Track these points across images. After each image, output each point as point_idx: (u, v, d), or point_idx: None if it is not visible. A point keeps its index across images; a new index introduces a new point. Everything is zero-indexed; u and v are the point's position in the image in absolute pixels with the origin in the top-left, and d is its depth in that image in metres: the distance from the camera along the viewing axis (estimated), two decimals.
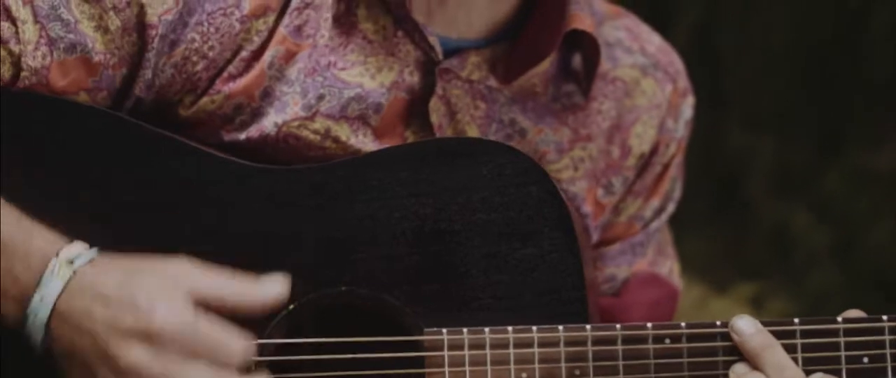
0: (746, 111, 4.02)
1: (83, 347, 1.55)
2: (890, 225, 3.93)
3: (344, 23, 1.83)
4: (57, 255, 1.58)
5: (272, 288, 1.63)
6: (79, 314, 1.56)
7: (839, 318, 1.60)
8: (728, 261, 3.72)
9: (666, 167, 2.02)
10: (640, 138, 1.99)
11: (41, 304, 1.57)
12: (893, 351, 1.60)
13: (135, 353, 1.53)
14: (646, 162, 1.99)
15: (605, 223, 1.99)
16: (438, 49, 1.81)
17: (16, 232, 1.60)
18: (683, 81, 2.03)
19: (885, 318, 1.59)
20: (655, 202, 2.02)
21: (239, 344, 1.58)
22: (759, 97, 4.03)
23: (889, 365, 1.60)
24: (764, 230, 4.00)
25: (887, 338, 1.59)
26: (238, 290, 1.62)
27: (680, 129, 2.01)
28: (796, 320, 1.59)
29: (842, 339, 1.58)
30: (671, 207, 2.05)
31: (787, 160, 4.05)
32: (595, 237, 1.97)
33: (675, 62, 2.04)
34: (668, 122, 1.99)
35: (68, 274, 1.58)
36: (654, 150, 1.99)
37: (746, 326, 1.62)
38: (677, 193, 2.06)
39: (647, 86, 1.99)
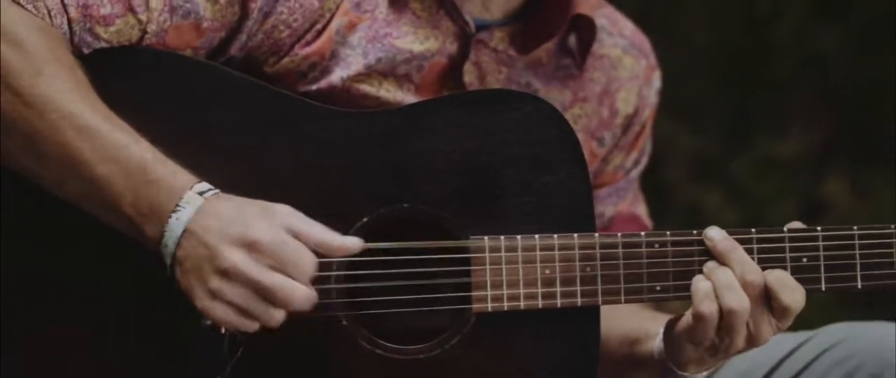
0: (667, 103, 4.11)
1: (199, 254, 1.73)
2: (791, 205, 4.10)
3: (397, 2, 2.03)
4: (191, 188, 1.75)
5: (350, 241, 1.79)
6: (201, 230, 1.73)
7: (785, 228, 1.88)
8: None
9: (643, 127, 2.26)
10: (625, 103, 2.21)
11: (177, 223, 1.74)
12: (824, 253, 1.87)
13: (236, 256, 1.71)
14: (629, 122, 2.22)
15: (596, 170, 2.20)
16: (472, 24, 2.03)
17: (161, 169, 1.77)
18: (652, 58, 2.26)
19: (819, 228, 1.87)
20: (634, 155, 2.26)
21: (312, 258, 1.74)
22: (677, 91, 3.93)
23: (821, 264, 1.86)
24: (680, 209, 4.15)
25: (820, 243, 1.86)
26: (323, 234, 1.77)
27: (652, 96, 2.26)
28: (753, 230, 1.86)
29: (787, 244, 1.85)
30: (645, 160, 2.29)
31: (701, 147, 4.20)
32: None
33: (646, 43, 2.27)
34: (643, 90, 2.23)
35: (199, 202, 1.75)
36: (635, 113, 2.22)
37: (716, 234, 1.87)
38: (649, 149, 2.29)
39: (627, 61, 2.22)
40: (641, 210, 2.27)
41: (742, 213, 4.10)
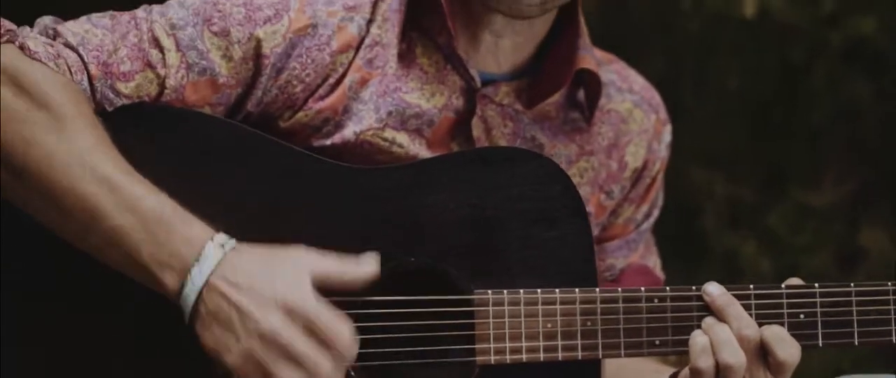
0: (703, 152, 4.14)
1: (227, 312, 1.74)
2: (827, 254, 4.10)
3: (406, 58, 2.08)
4: (212, 239, 1.78)
5: (368, 265, 1.83)
6: (227, 285, 1.75)
7: (783, 285, 1.91)
8: (687, 283, 3.86)
9: (653, 180, 2.27)
10: (634, 156, 2.23)
11: (199, 275, 1.75)
12: (822, 310, 1.89)
13: (273, 319, 1.73)
14: (638, 175, 2.24)
15: (604, 223, 2.23)
16: (478, 80, 2.08)
17: (180, 220, 1.79)
18: (663, 113, 2.29)
19: (816, 285, 1.90)
20: (645, 208, 2.28)
21: (345, 330, 1.75)
22: (713, 140, 4.15)
23: (819, 320, 1.89)
24: (716, 258, 4.14)
25: (818, 300, 1.89)
26: (344, 268, 1.81)
27: (662, 150, 2.28)
28: (751, 287, 1.89)
29: (784, 301, 1.88)
30: (656, 213, 2.31)
31: (737, 196, 4.19)
32: (595, 232, 2.18)
33: (656, 97, 2.30)
34: (653, 144, 2.26)
35: (220, 254, 1.77)
36: (644, 166, 2.24)
37: (714, 289, 1.90)
38: (660, 201, 2.31)
39: (636, 115, 2.24)
40: (653, 261, 2.30)
41: (778, 261, 4.10)
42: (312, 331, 1.74)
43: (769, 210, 4.19)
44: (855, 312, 1.90)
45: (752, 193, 4.21)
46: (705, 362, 1.86)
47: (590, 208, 2.18)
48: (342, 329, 1.75)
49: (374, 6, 2.08)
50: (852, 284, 1.91)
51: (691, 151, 4.14)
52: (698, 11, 4.15)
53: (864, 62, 4.16)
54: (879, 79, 4.17)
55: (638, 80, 2.29)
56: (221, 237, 1.79)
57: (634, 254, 2.27)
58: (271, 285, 1.75)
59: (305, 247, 1.82)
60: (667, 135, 2.29)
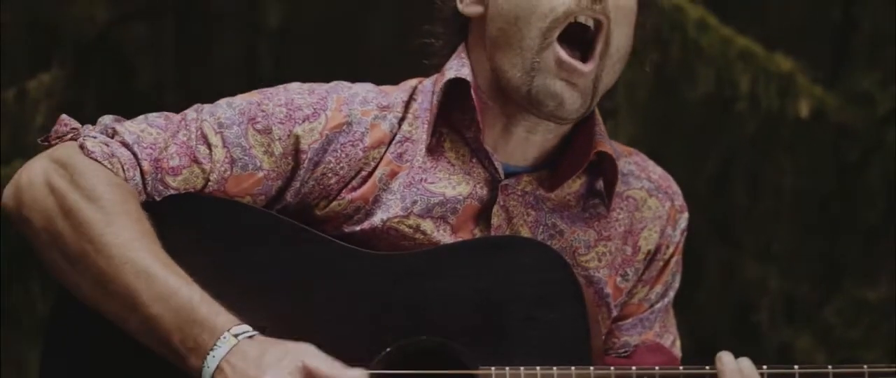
0: (759, 248, 4.22)
1: None
2: (881, 350, 4.11)
3: (434, 151, 2.20)
4: (229, 329, 1.98)
5: (355, 372, 1.97)
6: (230, 368, 1.95)
7: (795, 367, 1.98)
8: None
9: (666, 263, 2.34)
10: (647, 240, 2.31)
11: (213, 360, 1.96)
12: None
13: None
14: (651, 258, 2.32)
15: (622, 302, 2.31)
16: (502, 171, 2.19)
17: (206, 311, 1.99)
18: (680, 200, 2.35)
19: (830, 367, 1.96)
20: (658, 288, 2.35)
21: None
22: (769, 236, 4.23)
23: None
24: (772, 351, 4.19)
25: None
26: (333, 368, 1.96)
27: (677, 235, 2.34)
28: (765, 367, 1.98)
29: None
30: (672, 294, 2.37)
31: (792, 290, 4.26)
32: (614, 312, 2.28)
33: (673, 186, 2.36)
34: (667, 229, 2.33)
35: (233, 342, 1.97)
36: (657, 250, 2.32)
37: (727, 359, 2.01)
38: (677, 283, 2.37)
39: (652, 203, 2.32)
40: (668, 340, 2.37)
41: (832, 356, 4.14)
42: None
43: (825, 304, 4.25)
44: None
45: (808, 288, 4.27)
46: None
47: (608, 290, 2.27)
48: None
49: (407, 106, 2.23)
50: (866, 366, 1.97)
51: (746, 248, 4.21)
52: (754, 112, 4.22)
53: None
54: None
55: (656, 170, 2.38)
56: (239, 327, 1.99)
57: (649, 331, 2.35)
58: (258, 370, 1.95)
59: (310, 344, 1.99)
60: (682, 221, 2.36)
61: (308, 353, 1.98)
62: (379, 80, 2.28)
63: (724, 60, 4.15)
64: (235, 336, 1.98)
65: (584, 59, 2.18)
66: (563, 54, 2.15)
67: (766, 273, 4.22)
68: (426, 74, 2.33)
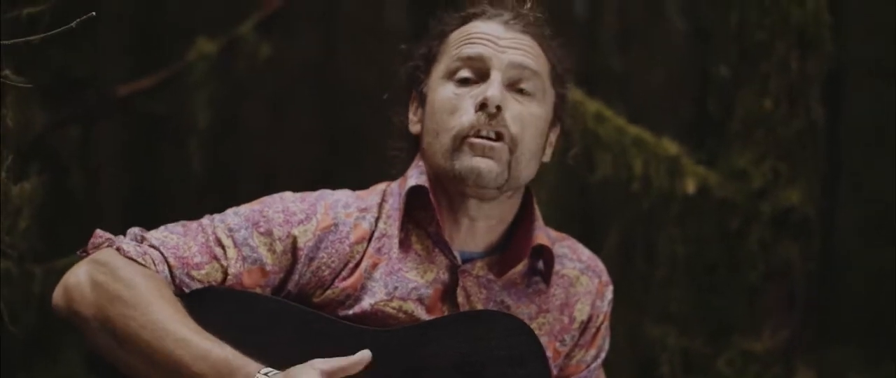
0: (658, 311, 4.42)
1: None
2: None
3: (404, 244, 2.47)
4: (259, 371, 2.22)
5: (363, 354, 2.24)
6: None
7: None
8: None
9: (598, 329, 2.62)
10: (580, 312, 2.58)
11: None
12: None
13: None
14: (584, 327, 2.59)
15: (561, 364, 2.58)
16: (459, 258, 2.46)
17: (239, 362, 2.23)
18: (605, 277, 2.64)
19: None
20: (592, 351, 2.62)
21: None
22: (666, 300, 4.41)
23: None
24: None
25: None
26: (344, 361, 2.22)
27: (604, 306, 2.62)
28: None
29: None
30: (603, 355, 2.65)
31: (689, 346, 4.42)
32: (556, 372, 2.56)
33: (599, 265, 2.65)
34: (596, 302, 2.61)
35: None
36: (589, 319, 2.59)
37: None
38: (607, 346, 2.65)
39: (583, 280, 2.59)
40: None
41: None
42: None
43: (718, 357, 4.37)
44: None
45: (702, 343, 4.42)
46: None
47: (549, 353, 2.51)
48: None
49: (380, 207, 2.51)
50: None
51: (646, 310, 4.41)
52: (648, 191, 4.37)
53: (790, 228, 4.37)
54: (804, 241, 4.40)
55: (585, 252, 2.66)
56: (266, 369, 2.23)
57: None
58: None
59: (322, 359, 2.23)
60: (608, 294, 2.64)
61: (318, 361, 2.22)
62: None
63: (620, 147, 4.29)
64: (265, 374, 2.21)
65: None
66: (474, 140, 2.41)
67: (665, 332, 4.38)
68: (392, 178, 2.62)
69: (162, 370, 2.26)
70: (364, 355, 2.25)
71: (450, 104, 2.44)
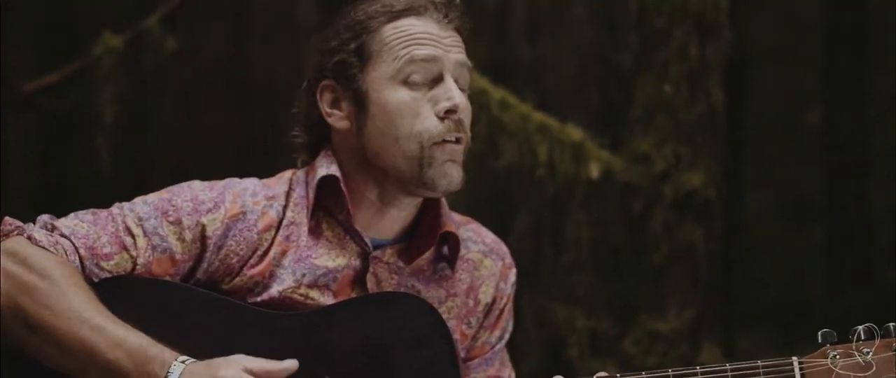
0: (565, 293, 4.47)
1: None
2: None
3: (314, 232, 2.47)
4: (176, 359, 2.25)
5: (288, 363, 2.28)
6: None
7: (726, 365, 2.27)
8: None
9: (502, 311, 2.63)
10: (485, 294, 2.60)
11: None
12: None
13: None
14: (489, 309, 2.61)
15: (468, 346, 2.60)
16: (370, 245, 2.47)
17: (155, 350, 2.26)
18: (509, 259, 2.64)
19: (698, 367, 2.23)
20: (497, 333, 2.64)
21: None
22: (573, 283, 4.47)
23: None
24: None
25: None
26: (270, 365, 2.26)
27: (508, 288, 2.63)
28: (643, 373, 2.24)
29: None
30: (507, 336, 2.65)
31: (596, 328, 4.50)
32: (463, 354, 2.56)
33: (503, 248, 2.65)
34: (500, 284, 2.61)
35: (182, 367, 2.24)
36: (493, 302, 2.61)
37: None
38: (510, 327, 2.67)
39: (487, 263, 2.60)
40: (506, 374, 2.69)
41: None
42: None
43: (624, 337, 4.47)
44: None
45: (609, 325, 4.52)
46: None
47: (456, 336, 2.53)
48: None
49: (287, 195, 2.53)
50: (728, 365, 2.29)
51: (555, 294, 4.47)
52: (552, 177, 4.46)
53: (692, 210, 4.48)
54: (707, 224, 4.51)
55: (488, 235, 2.66)
56: (183, 357, 2.27)
57: (491, 368, 2.65)
58: (210, 375, 2.26)
59: (240, 354, 2.29)
60: (512, 276, 2.65)
61: (244, 358, 2.28)
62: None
63: (524, 134, 4.39)
64: (183, 362, 2.25)
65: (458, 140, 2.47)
66: (445, 146, 2.45)
67: (572, 314, 4.44)
68: (296, 166, 2.64)
69: (77, 358, 2.28)
70: (292, 363, 2.30)
71: (408, 108, 2.46)
